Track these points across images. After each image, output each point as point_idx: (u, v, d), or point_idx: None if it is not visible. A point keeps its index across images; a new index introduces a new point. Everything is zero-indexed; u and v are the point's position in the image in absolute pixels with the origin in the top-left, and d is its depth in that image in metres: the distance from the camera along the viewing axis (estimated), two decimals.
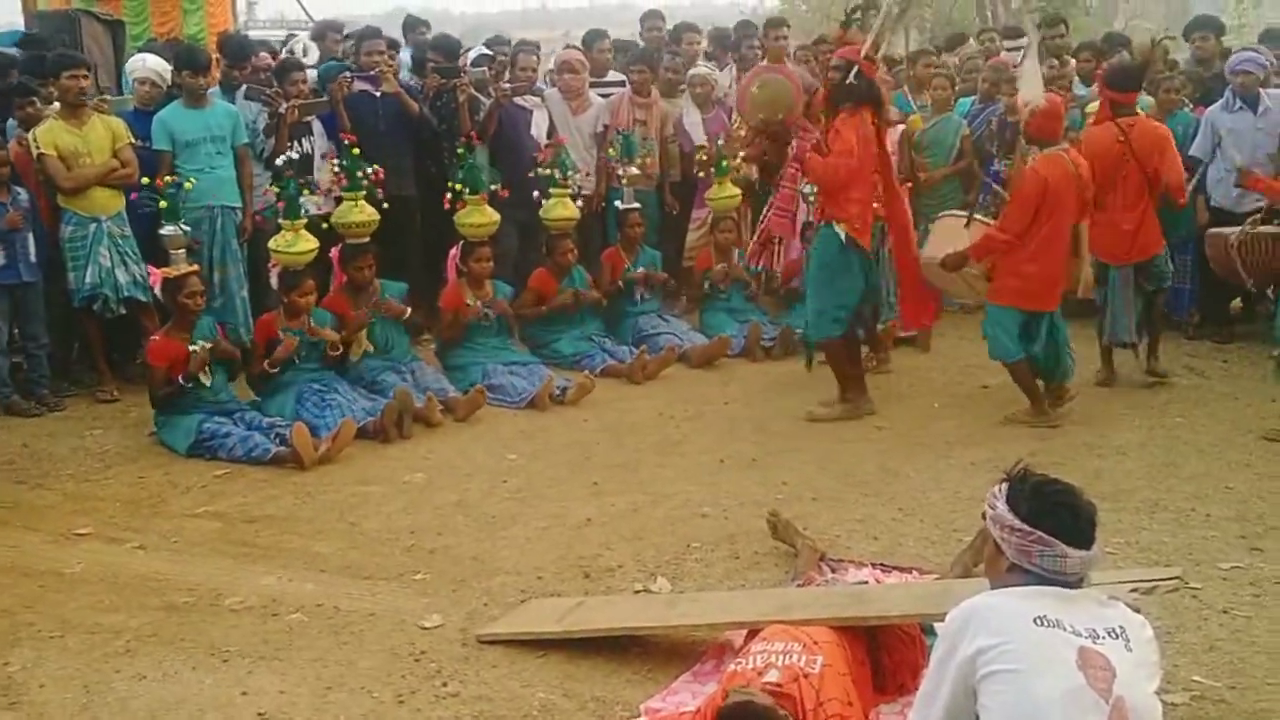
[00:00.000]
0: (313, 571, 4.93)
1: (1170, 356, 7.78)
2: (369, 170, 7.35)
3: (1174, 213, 7.40)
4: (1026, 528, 2.70)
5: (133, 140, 7.35)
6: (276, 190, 7.28)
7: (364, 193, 7.34)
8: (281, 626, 4.42)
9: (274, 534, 5.35)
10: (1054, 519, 2.70)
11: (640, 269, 8.37)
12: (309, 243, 6.95)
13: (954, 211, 7.50)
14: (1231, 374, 7.49)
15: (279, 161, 7.53)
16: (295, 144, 7.91)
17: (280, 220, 7.03)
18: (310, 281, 6.93)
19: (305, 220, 7.03)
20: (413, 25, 9.87)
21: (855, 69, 6.52)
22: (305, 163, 7.87)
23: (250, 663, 4.15)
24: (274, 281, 7.15)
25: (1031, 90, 6.55)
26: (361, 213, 7.31)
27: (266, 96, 7.88)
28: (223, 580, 4.83)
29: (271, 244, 7.02)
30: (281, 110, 7.80)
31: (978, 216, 7.02)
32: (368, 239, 7.31)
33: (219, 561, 5.05)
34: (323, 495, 5.82)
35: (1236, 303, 8.59)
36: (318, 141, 8.10)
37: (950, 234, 7.02)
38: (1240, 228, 7.06)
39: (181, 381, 6.40)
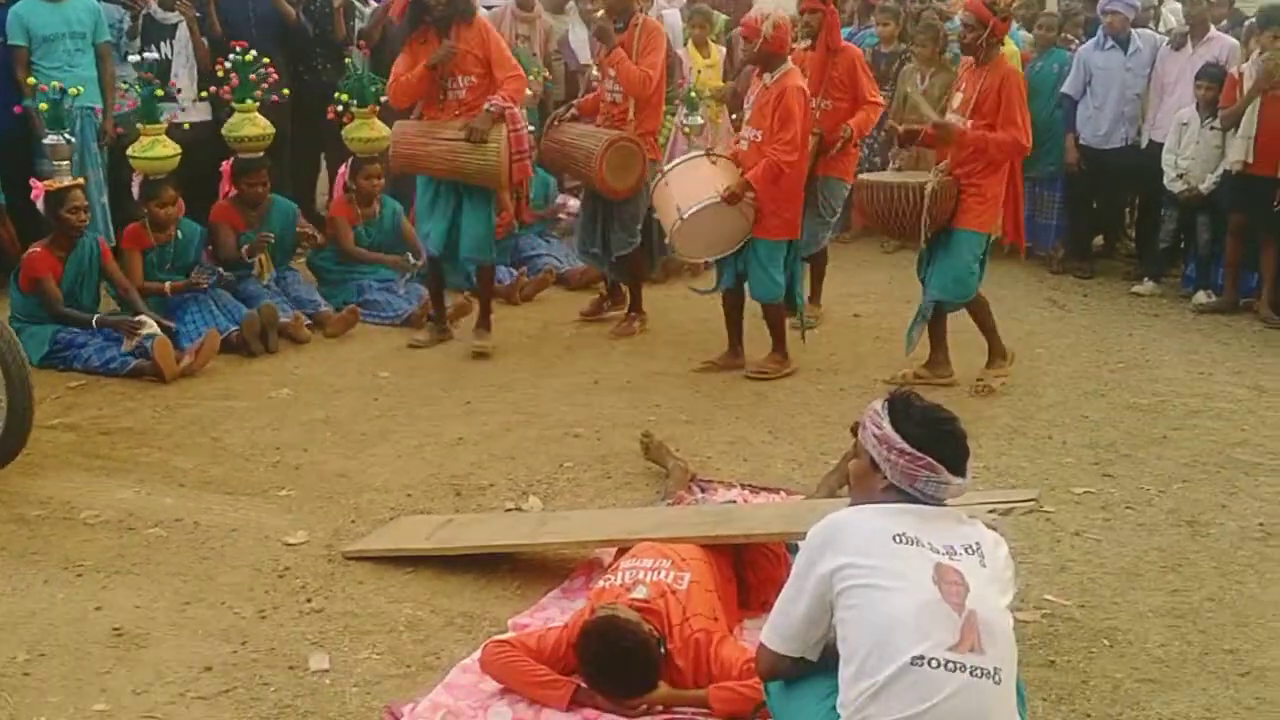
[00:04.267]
0: (172, 486, 4.80)
1: (1034, 290, 8.05)
2: (264, 73, 7.04)
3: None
4: (916, 452, 2.71)
5: None
6: (127, 87, 6.93)
7: (257, 103, 7.04)
8: (139, 541, 4.31)
9: (131, 447, 5.19)
10: (940, 446, 2.73)
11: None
12: (168, 148, 6.67)
13: (679, 160, 6.44)
14: (1091, 308, 7.74)
15: (130, 59, 7.16)
16: (154, 46, 7.54)
17: (138, 125, 6.72)
18: (171, 191, 6.64)
19: (164, 125, 6.74)
20: None
21: None
22: (163, 68, 7.48)
23: (105, 577, 4.04)
24: (134, 191, 6.86)
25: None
26: (255, 125, 7.04)
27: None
28: (77, 493, 4.69)
29: (129, 150, 6.72)
30: (144, 10, 7.43)
31: (715, 152, 6.33)
32: (262, 154, 7.05)
33: (73, 474, 4.89)
34: (184, 409, 5.66)
35: (1098, 240, 8.86)
36: (179, 45, 7.71)
37: (699, 175, 6.12)
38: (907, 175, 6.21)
39: (95, 319, 6.19)
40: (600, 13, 6.83)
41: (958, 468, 2.75)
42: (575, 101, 7.22)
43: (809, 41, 6.61)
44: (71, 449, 5.16)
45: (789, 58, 6.13)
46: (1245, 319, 7.40)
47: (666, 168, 6.39)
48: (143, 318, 6.16)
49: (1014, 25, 8.45)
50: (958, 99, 5.99)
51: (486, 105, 6.20)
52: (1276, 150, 7.17)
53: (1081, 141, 8.22)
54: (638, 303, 7.11)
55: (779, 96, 5.94)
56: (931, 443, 2.73)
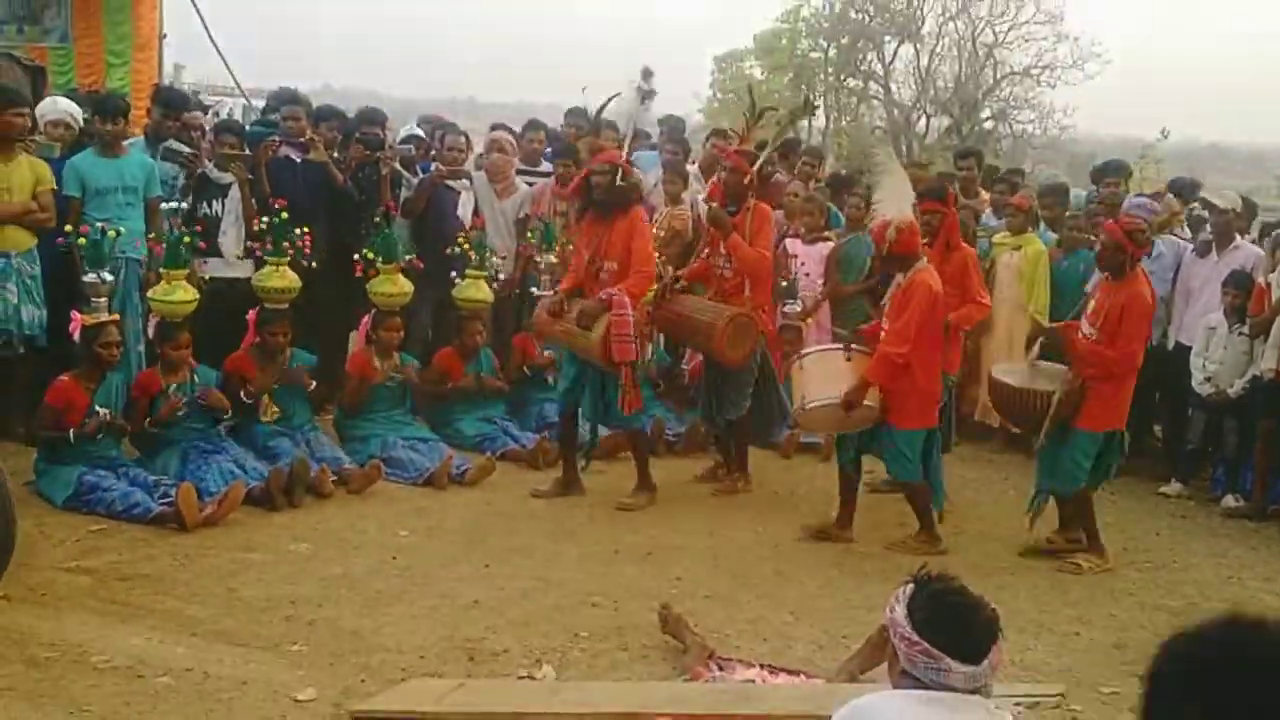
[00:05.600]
0: (185, 635, 4.75)
1: None
2: (296, 235, 7.29)
3: None
4: (915, 637, 2.63)
5: (54, 187, 7.18)
6: (154, 236, 7.14)
7: (287, 258, 7.26)
8: (147, 689, 4.25)
9: (147, 594, 5.16)
10: (944, 631, 2.63)
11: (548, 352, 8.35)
12: (187, 293, 6.83)
13: (817, 348, 7.01)
14: (1118, 506, 7.64)
15: (162, 207, 7.41)
16: (204, 204, 7.82)
17: (160, 269, 6.91)
18: (186, 335, 6.77)
19: (186, 271, 6.93)
20: (325, 116, 8.99)
21: (619, 171, 6.89)
22: (213, 224, 7.76)
23: None
24: (150, 332, 7.01)
25: (893, 206, 6.46)
26: (283, 278, 7.23)
27: (184, 158, 7.79)
28: (89, 638, 4.64)
29: (150, 293, 6.90)
30: (200, 170, 7.72)
31: (855, 346, 6.66)
32: (286, 305, 7.22)
33: (87, 618, 4.85)
34: (203, 558, 5.64)
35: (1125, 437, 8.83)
36: (230, 204, 7.97)
37: (829, 369, 6.54)
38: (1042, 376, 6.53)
39: (72, 433, 6.22)
40: (714, 203, 7.35)
41: (963, 654, 2.61)
42: (682, 271, 7.57)
43: (928, 239, 6.87)
44: (87, 593, 5.13)
45: (923, 256, 6.44)
46: (1275, 525, 7.31)
47: (804, 352, 6.89)
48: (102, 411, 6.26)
49: (1042, 226, 8.66)
50: (1091, 305, 6.39)
51: (600, 294, 6.78)
52: None
53: None
54: (744, 464, 7.48)
55: (906, 290, 6.30)
56: (933, 627, 2.63)
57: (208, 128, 9.07)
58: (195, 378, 6.80)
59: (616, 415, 7.00)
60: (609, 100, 7.70)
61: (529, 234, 8.68)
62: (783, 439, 8.13)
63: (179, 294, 6.80)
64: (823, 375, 6.50)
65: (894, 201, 6.49)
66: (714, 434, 7.73)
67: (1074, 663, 5.03)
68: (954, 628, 2.64)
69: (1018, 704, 3.75)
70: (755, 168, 7.22)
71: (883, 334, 6.42)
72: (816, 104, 21.64)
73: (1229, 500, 7.60)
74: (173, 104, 8.26)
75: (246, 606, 5.10)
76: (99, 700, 4.12)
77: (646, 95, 7.42)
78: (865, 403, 6.33)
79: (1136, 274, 6.26)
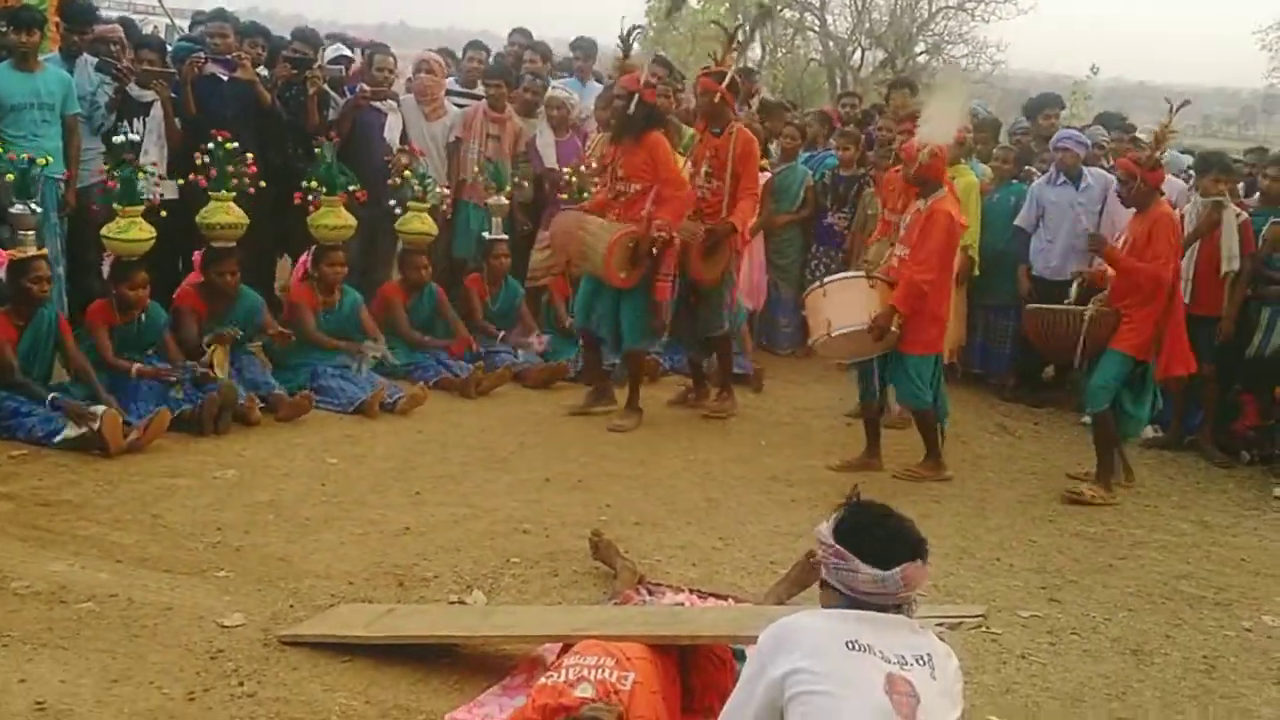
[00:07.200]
0: (108, 561, 4.68)
1: (984, 415, 8.13)
2: (242, 164, 7.07)
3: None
4: (831, 541, 2.79)
5: None
6: (108, 169, 6.92)
7: (234, 192, 7.05)
8: (69, 614, 4.18)
9: (69, 520, 5.07)
10: (857, 537, 2.78)
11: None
12: (144, 231, 6.63)
13: (840, 276, 6.87)
14: (1041, 436, 7.83)
15: (115, 140, 7.15)
16: (128, 122, 7.56)
17: (115, 205, 6.69)
18: (143, 274, 6.60)
19: (143, 207, 6.71)
20: (250, 33, 8.79)
21: (637, 97, 6.89)
22: (135, 146, 7.46)
23: (32, 649, 3.91)
24: (105, 270, 6.82)
25: (938, 130, 6.44)
26: (230, 214, 7.02)
27: (117, 70, 7.52)
28: (9, 563, 4.54)
29: (104, 230, 6.68)
30: (126, 87, 7.46)
31: (876, 275, 6.57)
32: (234, 243, 7.04)
33: (7, 544, 4.75)
34: (127, 484, 5.55)
35: (1049, 370, 9.00)
36: (152, 123, 7.73)
37: (855, 296, 6.47)
38: (1085, 305, 6.63)
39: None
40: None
41: (872, 558, 2.75)
42: (586, 204, 7.50)
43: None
44: (8, 518, 5.02)
45: (945, 185, 6.46)
46: (1191, 455, 7.52)
47: (827, 280, 6.74)
48: (95, 407, 6.00)
49: (974, 158, 8.71)
50: (1122, 240, 6.52)
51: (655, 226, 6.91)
52: (1214, 291, 7.37)
53: (1034, 273, 8.40)
54: (728, 384, 7.63)
55: (928, 218, 6.32)
56: (849, 534, 2.79)
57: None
58: (144, 315, 6.65)
59: (629, 335, 7.14)
60: (634, 29, 7.86)
61: (477, 171, 8.57)
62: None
63: (134, 231, 6.60)
64: (848, 302, 6.46)
65: (939, 124, 6.49)
66: (689, 357, 7.85)
67: (995, 587, 5.14)
68: (865, 534, 2.80)
69: (940, 624, 3.82)
70: (724, 85, 7.14)
71: (898, 261, 6.45)
72: (773, 12, 21.60)
73: (1147, 431, 7.76)
74: (76, 16, 7.91)
75: (171, 533, 5.03)
76: (20, 626, 4.04)
77: (675, 7, 7.64)
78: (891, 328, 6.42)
79: (1159, 201, 6.43)
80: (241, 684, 3.81)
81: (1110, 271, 6.52)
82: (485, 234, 8.41)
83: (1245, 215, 7.51)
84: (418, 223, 8.01)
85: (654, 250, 6.97)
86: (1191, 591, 5.29)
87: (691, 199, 7.11)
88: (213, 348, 6.77)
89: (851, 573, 2.75)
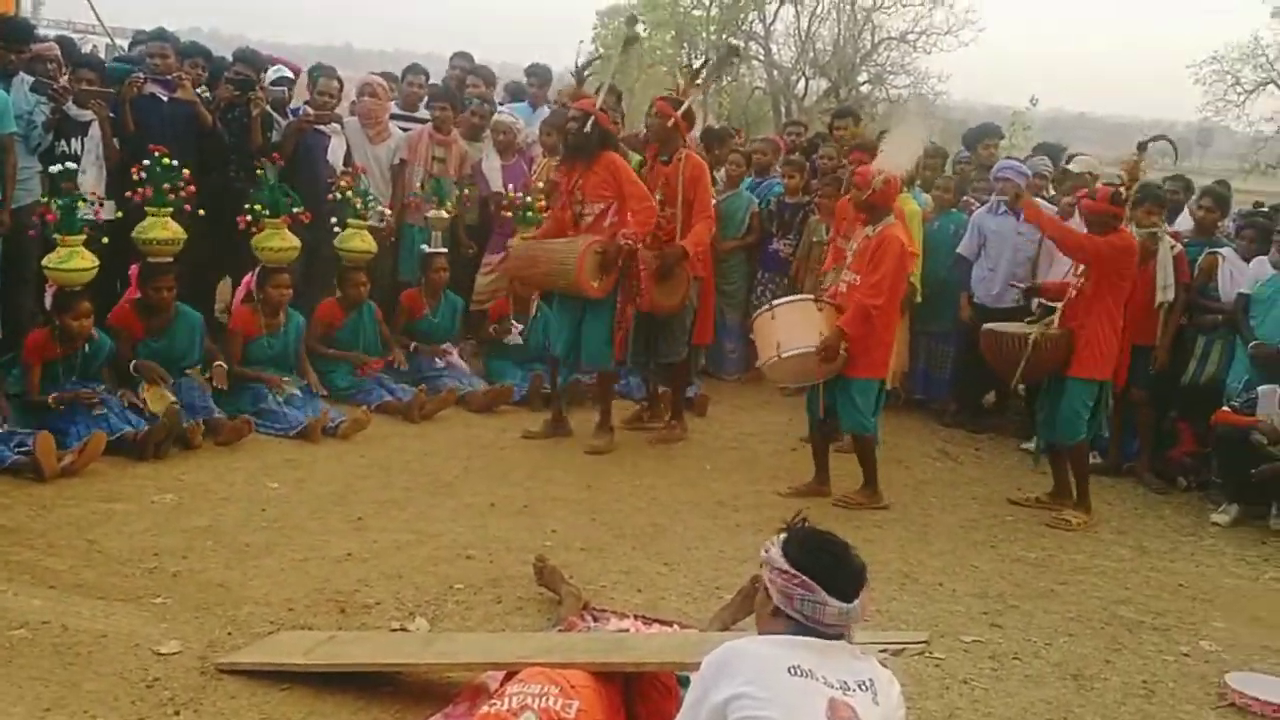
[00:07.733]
0: (41, 587, 4.58)
1: (926, 441, 8.21)
2: (180, 181, 6.98)
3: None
4: (792, 571, 2.77)
5: None
6: (47, 199, 6.77)
7: (170, 208, 6.96)
8: (2, 641, 4.08)
9: (2, 545, 4.95)
10: (819, 566, 2.77)
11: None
12: (86, 260, 6.50)
13: (788, 299, 6.93)
14: (982, 461, 7.91)
15: (54, 170, 7.01)
16: (65, 141, 7.43)
17: (55, 235, 6.55)
18: (85, 304, 6.45)
19: (83, 237, 6.58)
20: (191, 53, 8.66)
21: (591, 119, 6.94)
22: (72, 174, 7.33)
23: None
24: (48, 301, 6.69)
25: (897, 159, 6.56)
26: (166, 229, 6.94)
27: (54, 90, 7.39)
28: None
29: (45, 261, 6.55)
30: (64, 107, 7.33)
31: (823, 299, 6.64)
32: (170, 259, 6.94)
33: None
34: (62, 509, 5.44)
35: (989, 396, 9.10)
36: (90, 143, 7.60)
37: (803, 319, 6.48)
38: (1032, 326, 6.71)
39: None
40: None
41: (836, 590, 2.76)
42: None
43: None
44: None
45: (894, 213, 6.52)
46: (1128, 482, 7.63)
47: (776, 303, 6.76)
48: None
49: (916, 187, 8.81)
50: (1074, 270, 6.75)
51: (620, 235, 6.93)
52: (1147, 320, 7.45)
53: (975, 300, 8.50)
54: (679, 411, 7.69)
55: (878, 244, 6.35)
56: (809, 562, 2.78)
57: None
58: (86, 345, 6.51)
59: (588, 356, 7.17)
60: (594, 59, 8.00)
61: (420, 187, 8.54)
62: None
63: (76, 261, 6.46)
64: (797, 324, 6.48)
65: (897, 155, 6.59)
66: (646, 380, 8.01)
67: (937, 612, 5.17)
68: (828, 562, 2.80)
69: (883, 650, 3.83)
70: (680, 112, 7.22)
71: (846, 286, 6.48)
72: (741, 53, 21.76)
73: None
74: (12, 35, 7.76)
75: (107, 558, 4.93)
76: None
77: (630, 41, 7.95)
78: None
79: (1120, 231, 6.54)
80: (178, 713, 3.74)
81: (1071, 285, 6.62)
82: (424, 247, 8.37)
83: (1180, 247, 7.65)
84: (358, 240, 7.97)
85: (619, 261, 6.95)
86: (1131, 617, 5.35)
87: (654, 211, 7.08)
88: (143, 386, 6.65)
89: (819, 606, 2.75)
